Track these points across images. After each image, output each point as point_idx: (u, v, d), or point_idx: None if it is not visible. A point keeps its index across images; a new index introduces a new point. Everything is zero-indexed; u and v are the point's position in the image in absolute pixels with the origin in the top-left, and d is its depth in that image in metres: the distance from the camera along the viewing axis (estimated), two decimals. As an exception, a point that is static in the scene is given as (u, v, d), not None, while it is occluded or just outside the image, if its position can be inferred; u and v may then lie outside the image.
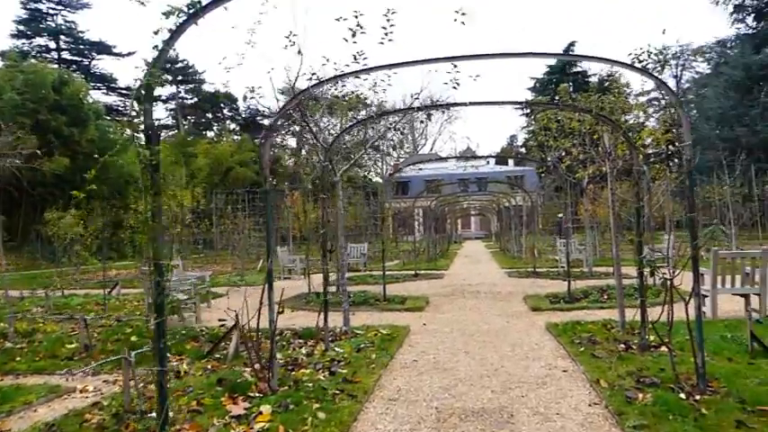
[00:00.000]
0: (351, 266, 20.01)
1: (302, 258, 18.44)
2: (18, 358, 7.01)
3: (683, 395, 4.40)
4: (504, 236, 30.31)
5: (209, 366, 6.26)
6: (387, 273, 18.11)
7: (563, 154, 13.67)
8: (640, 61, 5.27)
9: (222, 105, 65.35)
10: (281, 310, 5.45)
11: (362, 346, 6.93)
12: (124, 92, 59.46)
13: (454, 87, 7.12)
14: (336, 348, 6.85)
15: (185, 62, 61.47)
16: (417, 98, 6.99)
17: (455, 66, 7.25)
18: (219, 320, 9.03)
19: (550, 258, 21.23)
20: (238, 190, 29.54)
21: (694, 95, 46.87)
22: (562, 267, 17.68)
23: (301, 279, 16.90)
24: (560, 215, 22.32)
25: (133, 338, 7.89)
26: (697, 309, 4.55)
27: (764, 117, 34.79)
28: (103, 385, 6.00)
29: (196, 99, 63.86)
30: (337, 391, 4.95)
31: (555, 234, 20.42)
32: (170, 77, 60.99)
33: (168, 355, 6.86)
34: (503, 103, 6.11)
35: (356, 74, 5.42)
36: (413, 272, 17.62)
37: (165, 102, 63.56)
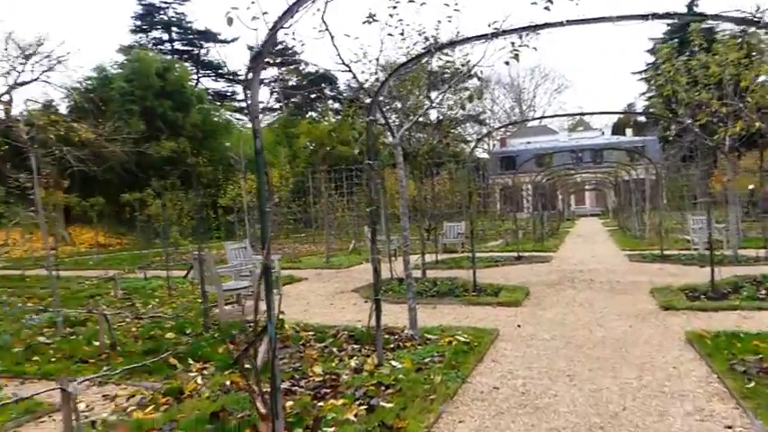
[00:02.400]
0: (447, 248, 18.30)
1: (392, 239, 16.99)
2: (36, 357, 6.08)
3: None
4: (624, 212, 27.08)
5: (229, 382, 4.88)
6: (486, 255, 16.26)
7: (694, 113, 11.02)
8: None
9: (323, 85, 65.40)
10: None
11: (428, 359, 5.26)
12: (230, 77, 61.40)
13: (547, 8, 5.15)
14: (393, 362, 5.24)
15: (284, 44, 61.85)
16: (498, 29, 5.06)
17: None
18: (246, 322, 7.53)
19: (680, 239, 18.20)
20: (336, 168, 29.05)
21: None
22: (696, 250, 14.87)
23: (392, 261, 15.50)
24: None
25: (169, 335, 6.77)
26: None
27: None
28: (99, 401, 4.83)
29: (296, 80, 64.31)
30: (364, 448, 3.35)
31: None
32: (271, 60, 61.75)
33: (191, 361, 5.64)
34: (617, 18, 4.13)
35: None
36: (515, 254, 15.56)
37: (267, 84, 64.56)
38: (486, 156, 60.47)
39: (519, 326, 6.91)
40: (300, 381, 4.85)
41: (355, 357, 5.52)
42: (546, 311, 7.81)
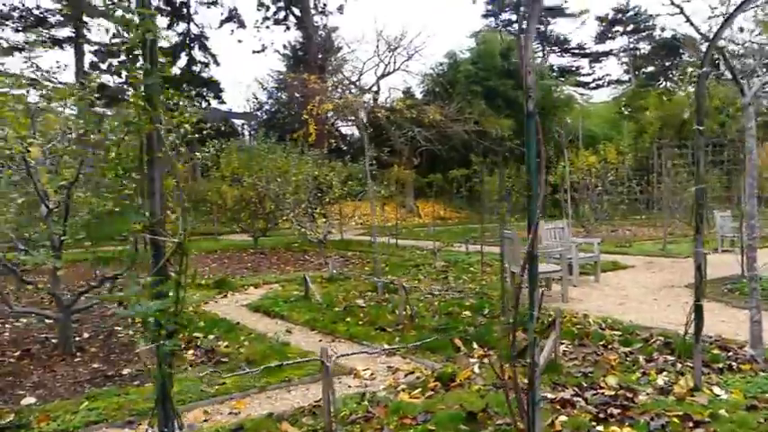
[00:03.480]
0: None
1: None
2: (348, 319, 6.67)
3: None
4: None
5: (507, 377, 4.43)
6: None
7: None
8: None
9: (681, 51, 57.73)
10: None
11: (770, 395, 3.87)
12: (576, 50, 59.52)
13: None
14: (717, 389, 4.00)
15: (636, 9, 56.48)
16: None
17: None
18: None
19: None
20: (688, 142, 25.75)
21: None
22: None
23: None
24: None
25: (465, 313, 6.65)
26: None
27: None
28: (382, 371, 4.95)
29: (649, 48, 58.27)
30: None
31: None
32: (620, 29, 57.36)
33: (475, 345, 5.37)
34: None
35: None
36: None
37: (615, 55, 60.23)
38: None
39: None
40: (587, 391, 4.09)
41: (665, 373, 4.43)
42: None
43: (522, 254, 7.88)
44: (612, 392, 4.02)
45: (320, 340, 6.08)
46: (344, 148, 36.40)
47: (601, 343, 5.34)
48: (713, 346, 5.08)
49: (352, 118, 34.76)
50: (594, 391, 4.06)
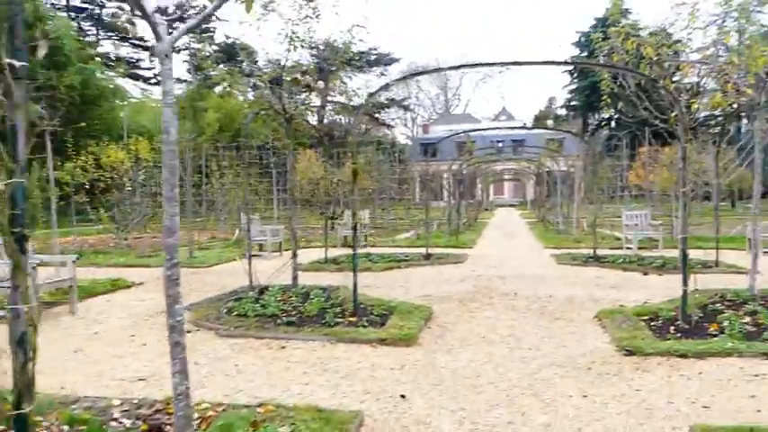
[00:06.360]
0: (347, 241, 15.36)
1: (277, 229, 13.85)
2: None
3: None
4: (544, 204, 25.09)
5: None
6: (390, 251, 13.33)
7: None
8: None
9: (239, 58, 60.62)
10: None
11: None
12: (136, 42, 56.01)
13: None
14: None
15: (198, 7, 56.65)
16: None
17: None
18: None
19: (608, 236, 16.27)
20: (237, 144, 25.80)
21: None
22: (629, 249, 12.87)
23: (274, 258, 12.41)
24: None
25: None
26: None
27: None
28: None
29: (211, 50, 59.18)
30: None
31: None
32: (182, 25, 56.65)
33: None
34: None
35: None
36: (424, 251, 12.76)
37: (178, 53, 59.13)
38: (409, 142, 58.39)
39: (403, 396, 4.06)
40: None
41: None
42: (450, 356, 5.03)
43: None
44: None
45: None
46: None
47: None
48: (145, 420, 3.39)
49: None
50: None
